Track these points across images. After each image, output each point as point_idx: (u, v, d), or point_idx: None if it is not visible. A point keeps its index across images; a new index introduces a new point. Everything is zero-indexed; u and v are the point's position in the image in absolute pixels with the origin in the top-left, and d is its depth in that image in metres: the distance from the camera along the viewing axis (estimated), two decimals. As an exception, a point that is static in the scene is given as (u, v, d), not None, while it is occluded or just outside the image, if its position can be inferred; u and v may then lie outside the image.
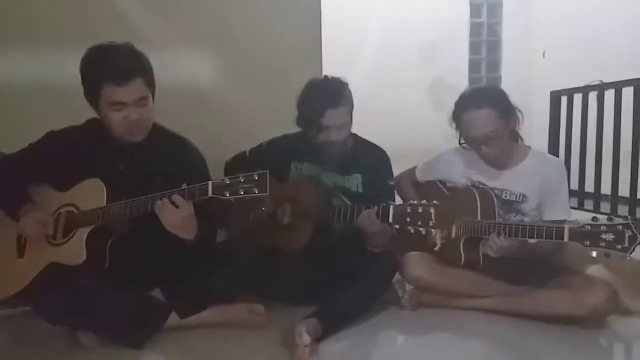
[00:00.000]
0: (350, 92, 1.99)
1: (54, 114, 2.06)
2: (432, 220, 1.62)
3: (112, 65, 1.61)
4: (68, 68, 1.73)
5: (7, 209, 1.72)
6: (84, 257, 1.60)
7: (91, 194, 1.67)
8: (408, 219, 1.67)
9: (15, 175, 1.73)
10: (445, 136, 2.05)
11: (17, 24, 2.51)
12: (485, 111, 1.84)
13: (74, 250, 1.63)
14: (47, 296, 1.60)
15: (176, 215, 1.55)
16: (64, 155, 1.72)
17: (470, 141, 1.92)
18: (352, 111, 2.00)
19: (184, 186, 1.57)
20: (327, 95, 1.93)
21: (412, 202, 1.70)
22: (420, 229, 1.65)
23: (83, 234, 1.63)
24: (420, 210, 1.65)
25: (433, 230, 1.67)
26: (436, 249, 1.88)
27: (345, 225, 1.91)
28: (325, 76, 2.05)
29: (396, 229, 1.74)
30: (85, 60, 1.66)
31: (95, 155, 1.72)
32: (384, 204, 1.77)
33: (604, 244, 1.55)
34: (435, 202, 1.65)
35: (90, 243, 1.62)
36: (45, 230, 1.67)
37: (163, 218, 1.56)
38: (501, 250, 1.75)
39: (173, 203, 1.55)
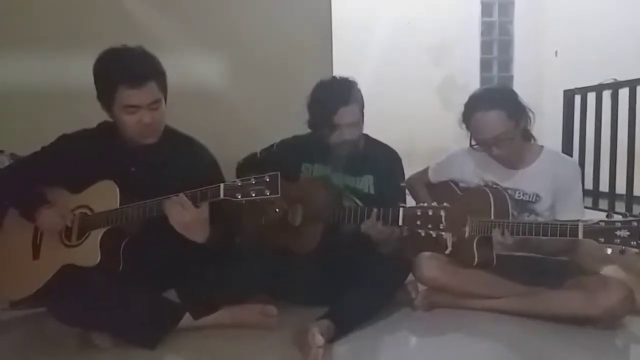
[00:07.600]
0: (359, 90, 1.98)
1: (65, 117, 2.08)
2: (442, 223, 1.59)
3: (127, 69, 1.62)
4: (78, 71, 1.74)
5: (23, 210, 1.73)
6: (98, 259, 1.62)
7: (104, 196, 1.68)
8: (418, 222, 1.64)
9: (30, 177, 1.75)
10: (455, 136, 2.04)
11: (28, 28, 2.55)
12: (494, 112, 1.82)
13: (88, 252, 1.64)
14: (62, 297, 1.62)
15: (182, 216, 1.56)
16: (76, 157, 1.74)
17: (481, 142, 1.91)
18: (363, 109, 1.99)
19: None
20: (337, 93, 1.93)
21: (421, 204, 1.68)
22: (431, 232, 1.62)
23: (97, 235, 1.65)
24: (430, 213, 1.62)
25: (443, 233, 1.65)
26: (447, 251, 1.86)
27: (356, 226, 1.91)
28: (334, 76, 2.05)
29: (407, 229, 1.73)
30: (100, 63, 1.66)
31: (107, 158, 1.73)
32: (393, 207, 1.75)
33: (618, 240, 1.53)
34: (445, 204, 1.62)
35: (104, 244, 1.64)
36: (66, 223, 1.68)
37: (170, 217, 1.57)
38: (504, 247, 1.74)
39: (179, 203, 1.56)
